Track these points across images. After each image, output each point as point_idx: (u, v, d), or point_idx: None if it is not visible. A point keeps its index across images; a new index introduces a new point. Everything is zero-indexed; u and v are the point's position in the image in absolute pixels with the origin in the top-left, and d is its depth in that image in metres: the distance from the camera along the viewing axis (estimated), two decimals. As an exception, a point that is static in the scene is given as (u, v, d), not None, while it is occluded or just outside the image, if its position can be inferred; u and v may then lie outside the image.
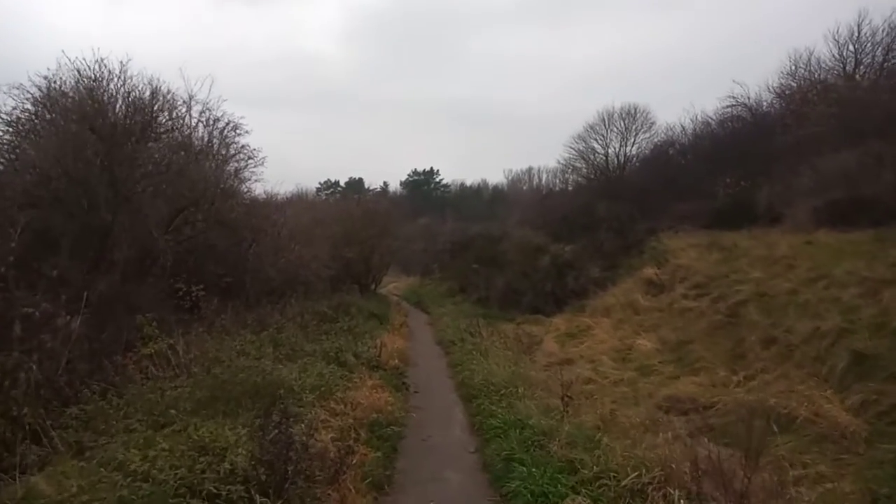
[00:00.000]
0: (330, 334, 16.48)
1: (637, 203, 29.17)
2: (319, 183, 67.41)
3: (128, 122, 17.02)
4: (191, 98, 20.61)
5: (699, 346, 14.72)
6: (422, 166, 77.86)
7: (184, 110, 20.83)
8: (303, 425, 7.98)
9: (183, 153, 19.78)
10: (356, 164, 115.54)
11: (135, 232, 15.81)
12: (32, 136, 16.61)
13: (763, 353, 13.00)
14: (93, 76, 16.40)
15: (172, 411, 8.46)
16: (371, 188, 51.42)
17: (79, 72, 16.24)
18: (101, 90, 16.71)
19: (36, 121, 16.76)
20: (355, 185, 62.40)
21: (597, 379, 14.11)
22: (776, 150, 24.96)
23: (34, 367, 8.90)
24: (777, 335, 13.26)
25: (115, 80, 16.87)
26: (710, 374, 12.90)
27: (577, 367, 15.25)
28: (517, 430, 9.24)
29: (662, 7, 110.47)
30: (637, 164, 38.06)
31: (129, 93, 17.47)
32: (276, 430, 6.91)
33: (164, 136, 19.72)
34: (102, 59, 16.04)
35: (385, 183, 67.06)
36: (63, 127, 16.22)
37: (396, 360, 16.02)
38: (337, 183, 71.66)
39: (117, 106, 17.09)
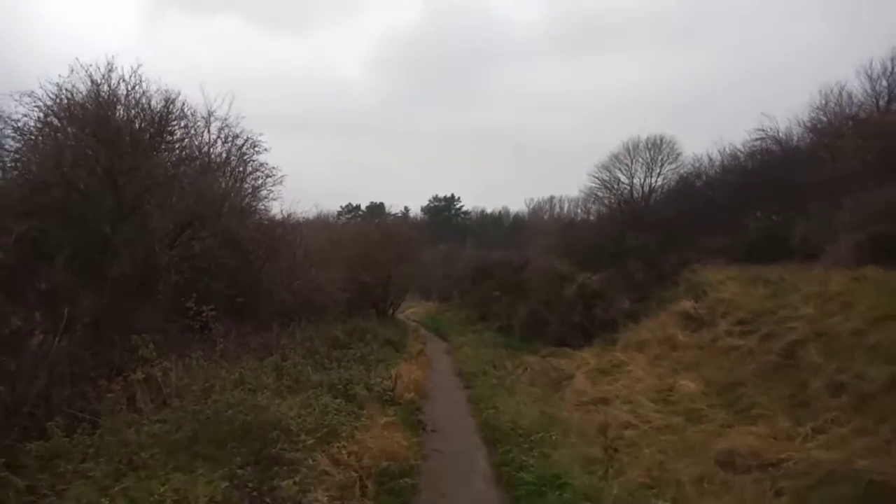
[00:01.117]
0: (341, 362, 15.01)
1: (662, 234, 27.83)
2: (341, 206, 66.41)
3: (135, 129, 15.90)
4: (210, 114, 19.71)
5: (752, 390, 12.94)
6: (443, 192, 76.92)
7: (202, 125, 19.77)
8: (295, 479, 6.43)
9: (192, 164, 18.71)
10: (378, 189, 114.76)
11: (137, 246, 14.50)
12: (36, 142, 15.49)
13: (831, 401, 11.19)
14: (100, 80, 15.19)
15: (143, 454, 6.93)
16: (392, 213, 50.16)
17: (90, 78, 15.07)
18: (108, 95, 15.56)
19: (42, 127, 15.60)
20: (376, 209, 61.19)
21: (637, 423, 12.37)
22: (809, 183, 23.38)
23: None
24: (846, 381, 11.45)
25: (125, 85, 15.66)
26: (769, 423, 11.11)
27: (612, 409, 13.53)
28: (555, 491, 7.58)
29: (688, 41, 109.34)
30: (662, 195, 36.64)
31: (138, 100, 16.34)
32: (256, 489, 5.36)
33: (175, 147, 18.68)
34: (112, 64, 14.80)
35: (406, 208, 65.73)
36: (65, 132, 15.12)
37: (412, 393, 14.43)
38: (358, 207, 70.63)
39: (124, 112, 15.93)
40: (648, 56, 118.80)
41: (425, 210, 74.51)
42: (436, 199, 76.27)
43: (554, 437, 10.03)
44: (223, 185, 18.86)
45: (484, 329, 30.60)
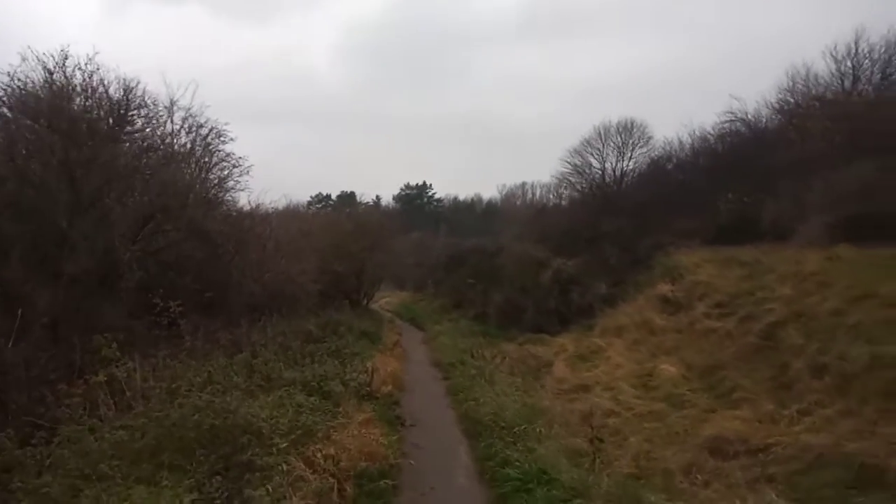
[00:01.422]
0: (315, 357, 14.47)
1: (635, 219, 27.80)
2: (311, 196, 65.29)
3: (92, 119, 15.13)
4: (172, 103, 18.80)
5: (734, 373, 12.79)
6: (414, 180, 76.16)
7: (164, 115, 18.88)
8: (268, 487, 5.98)
9: (154, 155, 17.95)
10: (349, 179, 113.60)
11: (96, 241, 13.79)
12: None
13: (813, 383, 11.05)
14: (53, 68, 14.36)
15: (103, 465, 6.40)
16: (363, 202, 49.37)
17: (44, 67, 14.23)
18: (63, 84, 14.75)
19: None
20: (347, 198, 60.18)
21: (619, 410, 12.12)
22: (779, 165, 23.73)
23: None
24: (828, 362, 11.32)
25: (81, 74, 14.83)
26: (753, 407, 10.94)
27: (593, 396, 13.29)
28: (543, 487, 7.23)
29: (659, 25, 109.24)
30: (634, 179, 36.68)
31: (95, 89, 15.53)
32: (226, 501, 4.91)
33: (136, 137, 17.90)
34: (66, 52, 13.98)
35: (377, 196, 64.91)
36: (18, 122, 14.29)
37: (390, 386, 14.00)
38: (329, 196, 69.52)
39: (81, 101, 15.14)
40: (618, 41, 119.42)
41: (397, 198, 73.75)
42: (407, 186, 75.47)
43: (538, 430, 9.67)
44: (187, 176, 18.09)
45: (459, 317, 30.25)
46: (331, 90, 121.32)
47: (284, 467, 6.85)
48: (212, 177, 21.27)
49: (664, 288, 19.52)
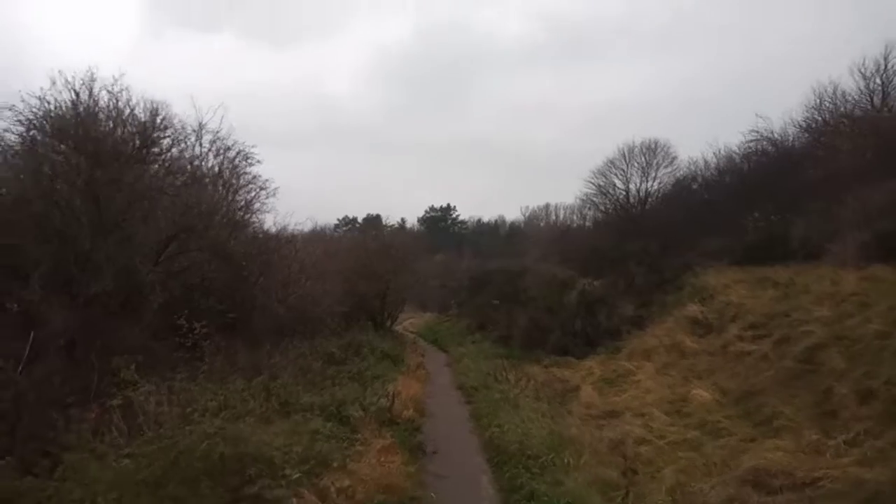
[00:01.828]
0: (336, 380, 14.05)
1: (660, 239, 27.16)
2: (337, 219, 65.40)
3: (118, 140, 15.04)
4: (201, 126, 18.96)
5: (772, 399, 11.98)
6: (439, 203, 75.97)
7: (193, 138, 19.11)
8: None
9: (180, 176, 17.87)
10: (375, 202, 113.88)
11: (119, 262, 13.58)
12: (15, 157, 14.63)
13: (861, 410, 10.25)
14: (79, 88, 14.34)
15: (101, 499, 5.96)
16: (389, 224, 49.20)
17: (71, 88, 14.24)
18: (90, 105, 14.72)
19: (23, 142, 14.71)
20: (373, 221, 60.12)
21: (651, 438, 11.39)
22: (807, 183, 22.95)
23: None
24: (876, 388, 10.52)
25: (107, 95, 14.82)
26: (795, 436, 10.15)
27: (623, 423, 12.56)
28: (574, 525, 6.63)
29: (681, 46, 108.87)
30: (658, 199, 36.13)
31: (121, 110, 15.51)
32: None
33: (162, 159, 17.83)
34: (94, 73, 13.96)
35: (402, 219, 64.64)
36: (45, 144, 14.24)
37: (411, 410, 13.47)
38: (355, 220, 69.54)
39: (107, 122, 15.09)
40: (641, 63, 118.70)
41: (422, 220, 73.61)
42: (432, 209, 75.38)
43: (566, 460, 9.05)
44: (214, 197, 17.95)
45: (483, 339, 29.64)
46: (357, 116, 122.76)
47: (295, 501, 6.35)
48: (238, 199, 21.32)
49: (694, 309, 18.74)
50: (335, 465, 7.88)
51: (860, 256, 16.85)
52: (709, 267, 22.42)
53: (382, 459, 9.00)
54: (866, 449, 9.08)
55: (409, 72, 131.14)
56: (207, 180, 19.95)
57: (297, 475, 7.00)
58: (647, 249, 25.18)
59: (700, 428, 11.69)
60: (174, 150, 17.96)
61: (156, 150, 17.08)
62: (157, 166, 17.25)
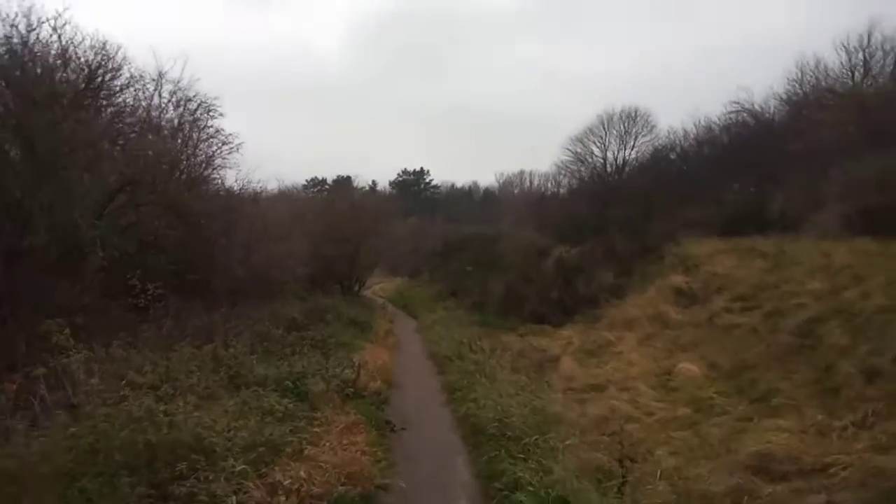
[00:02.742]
0: (297, 348, 12.86)
1: (637, 208, 26.53)
2: (306, 181, 63.26)
3: (58, 80, 13.47)
4: (161, 76, 17.27)
5: (768, 375, 11.18)
6: (412, 167, 74.22)
7: (152, 88, 17.38)
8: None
9: (132, 126, 16.37)
10: (347, 164, 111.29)
11: (57, 214, 12.19)
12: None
13: (867, 390, 9.48)
14: (15, 23, 12.71)
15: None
16: (360, 187, 47.55)
17: (10, 24, 12.62)
18: (25, 40, 13.06)
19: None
20: (343, 183, 58.31)
21: (639, 416, 10.53)
22: (787, 156, 22.92)
23: None
24: (882, 366, 9.74)
25: (48, 30, 13.23)
26: (797, 416, 9.32)
27: (607, 397, 11.70)
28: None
29: (665, 16, 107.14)
30: (636, 167, 35.63)
31: (64, 48, 13.92)
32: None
33: (110, 105, 16.29)
34: (31, 8, 12.39)
35: (373, 182, 62.83)
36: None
37: (379, 382, 12.39)
38: (324, 181, 67.48)
39: (46, 60, 13.48)
40: (624, 31, 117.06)
41: (394, 184, 71.79)
42: (405, 172, 73.57)
43: (552, 443, 8.07)
44: (170, 149, 16.49)
45: (455, 306, 28.66)
46: (331, 77, 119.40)
47: (235, 500, 5.23)
48: (199, 153, 19.91)
49: (678, 279, 17.95)
50: (289, 450, 6.74)
51: (843, 229, 16.55)
52: (691, 237, 21.76)
53: (345, 441, 7.92)
54: (877, 432, 8.28)
55: (388, 34, 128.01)
56: (166, 132, 18.49)
57: (242, 466, 5.86)
58: (629, 217, 24.25)
59: (691, 405, 10.86)
60: (128, 96, 16.43)
61: (104, 93, 15.57)
62: (105, 113, 15.79)
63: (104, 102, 15.71)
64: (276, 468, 6.21)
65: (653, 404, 11.09)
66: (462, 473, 8.07)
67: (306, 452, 6.91)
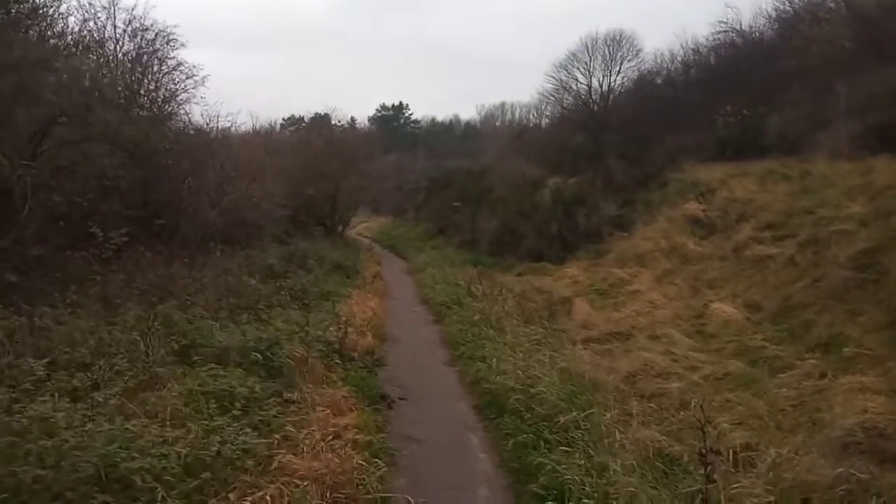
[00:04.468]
0: (273, 300, 10.80)
1: (633, 134, 24.60)
2: (283, 119, 59.59)
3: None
4: (113, 3, 15.25)
5: (825, 317, 9.26)
6: (391, 102, 70.47)
7: (104, 17, 15.37)
8: None
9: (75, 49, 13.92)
10: (325, 102, 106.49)
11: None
12: None
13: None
14: None
15: None
16: (338, 124, 44.45)
17: None
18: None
19: None
20: (321, 120, 54.99)
21: (680, 371, 8.59)
22: (780, 75, 21.10)
23: None
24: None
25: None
26: (883, 372, 7.46)
27: (636, 347, 9.79)
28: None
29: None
30: (623, 93, 33.57)
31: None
32: None
33: (45, 27, 13.89)
34: None
35: (352, 118, 59.17)
36: None
37: (369, 338, 10.43)
38: (301, 119, 63.75)
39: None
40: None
41: (373, 120, 67.96)
42: (383, 107, 69.75)
43: (597, 420, 6.15)
44: (121, 76, 14.14)
45: (444, 244, 26.67)
46: (306, 11, 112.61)
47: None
48: (161, 88, 17.70)
49: (693, 206, 15.92)
50: (252, 462, 4.69)
51: (857, 148, 14.64)
52: (695, 162, 19.78)
53: (331, 429, 5.93)
54: None
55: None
56: (115, 62, 16.06)
57: (188, 488, 3.82)
58: (627, 143, 22.05)
59: (740, 356, 8.94)
60: (73, 24, 14.08)
61: (25, 8, 13.01)
62: (32, 33, 13.26)
63: (30, 21, 13.20)
64: (238, 485, 4.18)
65: (692, 355, 9.17)
66: (477, 455, 6.20)
67: (279, 460, 4.88)
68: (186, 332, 7.46)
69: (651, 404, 7.19)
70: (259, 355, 6.91)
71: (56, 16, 13.85)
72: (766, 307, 10.51)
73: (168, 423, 4.83)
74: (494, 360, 8.62)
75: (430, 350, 10.57)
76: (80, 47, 14.27)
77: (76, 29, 14.71)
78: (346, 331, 9.33)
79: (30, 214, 11.22)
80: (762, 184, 15.44)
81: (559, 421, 6.24)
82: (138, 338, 7.07)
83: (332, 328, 9.47)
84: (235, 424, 5.04)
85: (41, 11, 13.42)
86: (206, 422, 4.96)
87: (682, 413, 7.02)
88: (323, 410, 6.29)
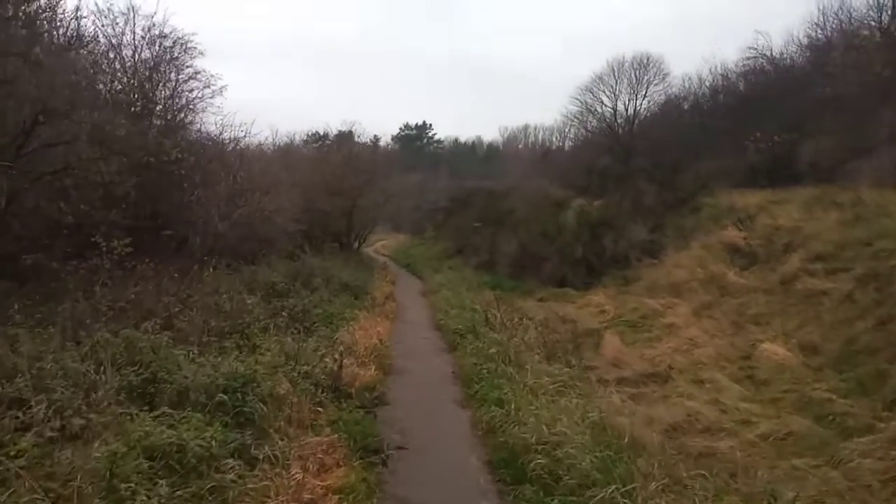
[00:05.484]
0: (269, 323, 9.55)
1: (651, 160, 23.50)
2: (307, 135, 59.08)
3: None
4: (132, 10, 14.57)
5: (901, 366, 7.80)
6: (415, 121, 69.64)
7: (122, 23, 14.78)
8: None
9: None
10: (349, 120, 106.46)
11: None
12: None
13: None
14: None
15: None
16: (362, 142, 43.60)
17: None
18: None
19: None
20: (344, 137, 54.25)
21: (730, 425, 7.17)
22: (814, 102, 19.99)
23: None
24: None
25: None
26: None
27: (676, 393, 8.36)
28: None
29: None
30: (648, 118, 32.41)
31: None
32: None
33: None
34: None
35: (375, 136, 58.49)
36: None
37: (372, 370, 9.12)
38: (326, 136, 63.18)
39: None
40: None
41: (396, 139, 67.31)
42: (407, 127, 68.96)
43: (641, 495, 4.76)
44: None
45: (462, 265, 25.39)
46: (334, 31, 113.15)
47: None
48: (178, 96, 16.99)
49: (732, 234, 14.45)
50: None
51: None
52: (725, 187, 18.45)
53: (306, 496, 4.62)
54: None
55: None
56: (133, 68, 15.39)
57: None
58: (659, 164, 20.66)
59: (802, 410, 7.49)
60: (87, 27, 13.51)
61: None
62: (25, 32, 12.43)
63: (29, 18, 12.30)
64: None
65: (743, 406, 7.74)
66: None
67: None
68: (147, 362, 6.19)
69: (702, 471, 5.76)
70: (226, 397, 5.60)
71: (61, 17, 13.05)
72: (826, 350, 9.06)
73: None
74: (513, 405, 7.24)
75: (439, 386, 9.19)
76: (74, 44, 13.35)
77: (91, 32, 14.13)
78: (342, 363, 8.00)
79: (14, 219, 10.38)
80: (808, 211, 13.96)
81: (595, 496, 4.85)
82: (90, 369, 5.84)
83: (327, 358, 8.15)
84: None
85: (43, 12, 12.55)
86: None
87: (738, 482, 5.64)
88: (298, 472, 4.95)
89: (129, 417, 5.06)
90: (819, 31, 26.19)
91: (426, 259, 30.06)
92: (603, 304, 14.38)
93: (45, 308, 8.47)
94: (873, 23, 24.65)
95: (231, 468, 4.63)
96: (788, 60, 26.64)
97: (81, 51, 12.69)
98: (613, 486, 4.96)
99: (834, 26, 26.46)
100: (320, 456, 5.65)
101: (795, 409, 7.53)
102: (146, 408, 5.47)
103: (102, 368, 5.94)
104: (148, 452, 4.49)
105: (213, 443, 4.78)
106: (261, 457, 5.01)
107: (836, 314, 9.93)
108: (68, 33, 13.34)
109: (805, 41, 26.02)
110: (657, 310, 12.74)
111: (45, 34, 11.97)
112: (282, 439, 5.49)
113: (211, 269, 11.81)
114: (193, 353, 6.96)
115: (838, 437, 6.58)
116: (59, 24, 13.03)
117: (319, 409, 6.93)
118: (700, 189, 19.07)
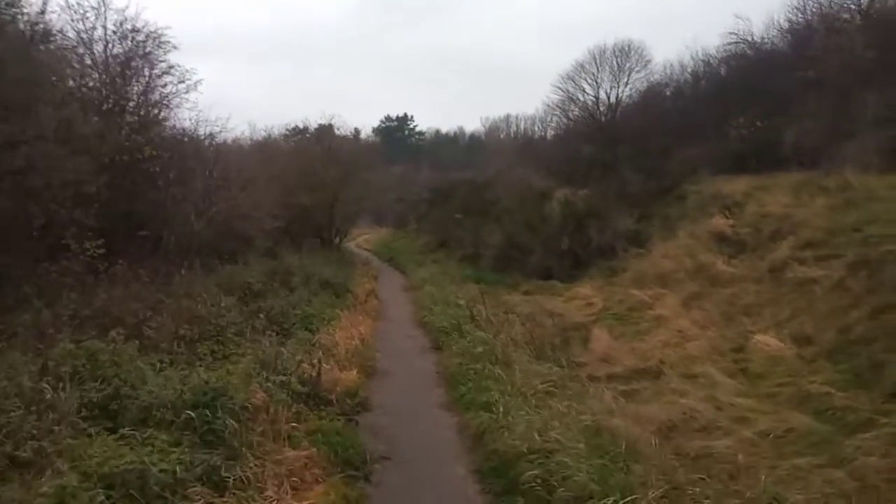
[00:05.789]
0: (241, 328, 9.13)
1: (634, 148, 23.04)
2: (287, 130, 58.24)
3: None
4: (103, 4, 13.94)
5: (898, 356, 7.58)
6: (395, 113, 68.95)
7: (93, 17, 14.13)
8: None
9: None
10: (328, 113, 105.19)
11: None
12: None
13: None
14: None
15: None
16: (342, 135, 42.92)
17: None
18: None
19: None
20: (325, 130, 53.44)
21: (727, 424, 6.90)
22: (796, 86, 19.51)
23: None
24: None
25: None
26: None
27: (669, 389, 8.09)
28: None
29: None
30: (630, 105, 32.14)
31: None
32: None
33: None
34: None
35: (356, 129, 57.66)
36: None
37: (354, 372, 8.76)
38: (305, 129, 62.28)
39: None
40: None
41: (377, 131, 66.56)
42: (387, 119, 68.24)
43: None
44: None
45: (446, 258, 25.04)
46: (314, 23, 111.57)
47: None
48: (150, 92, 16.37)
49: (719, 222, 14.22)
50: None
51: (885, 159, 13.54)
52: (708, 174, 18.35)
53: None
54: None
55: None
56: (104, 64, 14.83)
57: None
58: (645, 151, 20.40)
59: (801, 405, 7.25)
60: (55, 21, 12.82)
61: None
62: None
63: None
64: None
65: (739, 402, 7.49)
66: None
67: None
68: (109, 377, 5.77)
69: (701, 474, 5.51)
70: (194, 414, 5.20)
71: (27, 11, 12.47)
72: (819, 341, 8.83)
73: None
74: (501, 408, 6.93)
75: (424, 389, 8.86)
76: (39, 39, 12.78)
77: (59, 26, 13.56)
78: (321, 368, 7.63)
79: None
80: (796, 197, 13.75)
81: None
82: (46, 385, 5.42)
83: (305, 364, 7.77)
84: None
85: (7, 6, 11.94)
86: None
87: (739, 484, 5.39)
88: (273, 494, 4.59)
89: (88, 438, 4.66)
90: (799, 15, 26.12)
91: (409, 253, 29.67)
92: (590, 297, 14.12)
93: (5, 319, 8.02)
94: (853, 6, 24.77)
95: (198, 495, 4.25)
96: (770, 45, 26.11)
97: (49, 45, 12.10)
98: (612, 499, 4.67)
99: (814, 10, 26.50)
100: (297, 473, 5.31)
101: (793, 404, 7.29)
102: (108, 427, 5.08)
103: (62, 385, 5.54)
104: (106, 481, 4.11)
105: (179, 467, 4.40)
106: (231, 479, 4.63)
107: (829, 303, 9.72)
108: (34, 28, 12.85)
109: (786, 25, 25.57)
110: (645, 301, 12.48)
111: (8, 28, 11.42)
112: (255, 457, 5.12)
113: (184, 271, 11.30)
114: (164, 363, 6.56)
115: (839, 434, 6.34)
116: (23, 17, 12.52)
117: (297, 419, 6.56)
118: (686, 176, 18.83)
